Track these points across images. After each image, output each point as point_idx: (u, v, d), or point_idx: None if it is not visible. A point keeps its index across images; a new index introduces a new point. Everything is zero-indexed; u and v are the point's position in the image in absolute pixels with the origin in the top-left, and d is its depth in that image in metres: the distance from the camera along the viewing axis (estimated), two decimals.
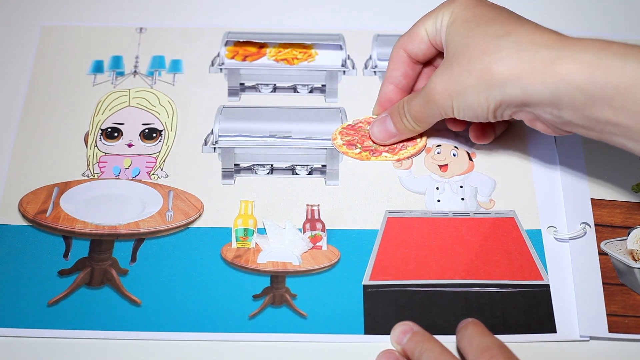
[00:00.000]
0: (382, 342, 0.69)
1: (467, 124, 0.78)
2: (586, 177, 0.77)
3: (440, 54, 0.75)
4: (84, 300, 0.70)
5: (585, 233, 0.74)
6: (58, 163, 0.78)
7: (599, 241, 0.74)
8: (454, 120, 0.77)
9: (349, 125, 0.81)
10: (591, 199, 0.76)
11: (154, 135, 0.80)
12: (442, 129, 0.81)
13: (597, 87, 0.63)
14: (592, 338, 0.69)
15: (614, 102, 0.63)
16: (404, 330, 0.68)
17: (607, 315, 0.70)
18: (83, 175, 0.78)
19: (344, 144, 0.79)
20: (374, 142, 0.79)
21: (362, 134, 0.80)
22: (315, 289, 0.71)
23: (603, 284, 0.71)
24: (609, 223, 0.75)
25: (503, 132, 0.80)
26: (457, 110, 0.70)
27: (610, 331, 0.69)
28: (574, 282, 0.72)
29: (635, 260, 0.73)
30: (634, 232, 0.74)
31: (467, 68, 0.68)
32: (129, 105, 0.82)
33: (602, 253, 0.73)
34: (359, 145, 0.79)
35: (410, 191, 0.77)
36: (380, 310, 0.70)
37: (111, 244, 0.73)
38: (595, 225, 0.75)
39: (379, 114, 0.79)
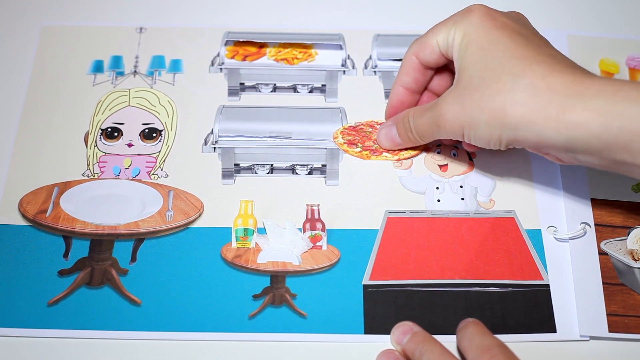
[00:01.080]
0: (382, 342, 0.69)
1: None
2: (586, 176, 0.77)
3: (452, 62, 0.75)
4: (84, 300, 0.70)
5: (585, 233, 0.74)
6: (58, 163, 0.78)
7: (599, 241, 0.74)
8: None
9: (350, 126, 0.81)
10: (591, 198, 0.76)
11: (154, 135, 0.80)
12: None
13: (612, 134, 0.63)
14: (592, 338, 0.69)
15: (631, 147, 0.63)
16: (404, 331, 0.68)
17: (607, 315, 0.70)
18: (83, 175, 0.78)
19: (344, 143, 0.79)
20: (380, 147, 0.79)
21: (363, 134, 0.80)
22: (315, 288, 0.71)
23: (603, 283, 0.71)
24: (609, 223, 0.75)
25: None
26: (468, 138, 0.70)
27: (610, 331, 0.69)
28: (574, 282, 0.72)
29: (635, 260, 0.73)
30: (634, 232, 0.74)
31: (480, 104, 0.68)
32: (129, 105, 0.82)
33: (602, 253, 0.73)
34: (360, 145, 0.79)
35: (410, 191, 0.77)
36: (380, 310, 0.70)
37: (111, 244, 0.73)
38: (595, 225, 0.75)
39: (389, 116, 0.79)
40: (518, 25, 0.70)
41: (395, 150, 0.79)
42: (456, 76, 0.71)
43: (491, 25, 0.70)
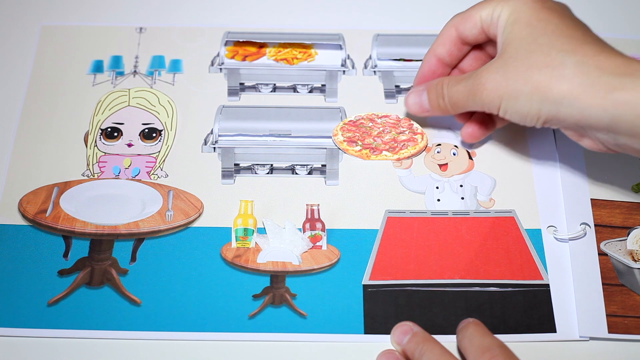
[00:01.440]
0: (382, 342, 0.69)
1: (469, 116, 0.78)
2: (586, 177, 0.77)
3: (490, 42, 0.74)
4: (84, 300, 0.70)
5: (585, 234, 0.74)
6: (58, 163, 0.78)
7: (598, 241, 0.74)
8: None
9: (350, 121, 0.81)
10: (591, 199, 0.76)
11: (154, 135, 0.80)
12: (442, 128, 0.81)
13: None
14: (591, 338, 0.69)
15: None
16: (404, 331, 0.68)
17: (607, 315, 0.70)
18: (83, 175, 0.78)
19: (344, 141, 0.79)
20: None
21: (364, 130, 0.80)
22: (315, 288, 0.71)
23: (603, 284, 0.71)
24: (608, 223, 0.75)
25: (501, 130, 0.80)
26: (504, 111, 0.70)
27: (610, 332, 0.69)
28: (573, 283, 0.72)
29: (635, 261, 0.73)
30: (633, 233, 0.74)
31: (524, 75, 0.67)
32: (128, 105, 0.82)
33: (601, 253, 0.73)
34: (360, 143, 0.79)
35: (410, 191, 0.77)
36: (380, 310, 0.70)
37: (111, 244, 0.73)
38: (595, 225, 0.75)
39: (418, 85, 0.78)
40: (566, 11, 0.71)
41: (395, 149, 0.79)
42: (499, 50, 0.71)
43: (541, 6, 0.70)
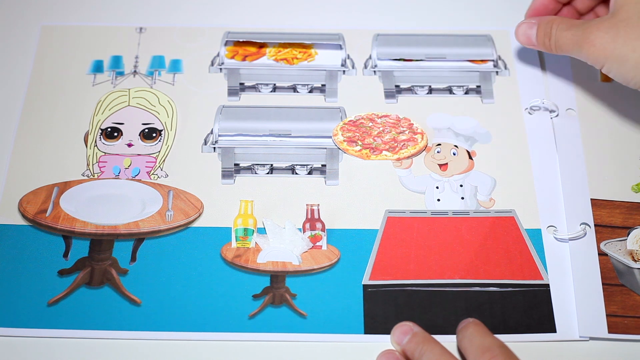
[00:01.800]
0: (382, 342, 0.69)
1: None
2: (586, 177, 0.77)
3: None
4: (84, 300, 0.70)
5: (585, 234, 0.74)
6: (58, 163, 0.78)
7: (598, 242, 0.74)
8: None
9: (350, 121, 0.81)
10: (591, 199, 0.76)
11: (154, 135, 0.80)
12: (442, 127, 0.81)
13: None
14: (591, 338, 0.69)
15: None
16: (404, 331, 0.68)
17: (607, 315, 0.70)
18: (83, 175, 0.78)
19: (344, 140, 0.79)
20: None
21: (364, 130, 0.80)
22: (315, 288, 0.71)
23: (603, 284, 0.71)
24: (608, 223, 0.75)
25: (503, 130, 0.80)
26: (607, 70, 0.73)
27: (609, 332, 0.69)
28: (573, 283, 0.71)
29: (635, 261, 0.73)
30: (633, 233, 0.74)
31: (634, 43, 0.70)
32: (128, 105, 0.82)
33: (601, 253, 0.73)
34: (360, 143, 0.79)
35: (410, 190, 0.77)
36: (380, 310, 0.70)
37: (111, 244, 0.73)
38: (595, 225, 0.75)
39: (530, 17, 0.80)
40: None
41: (395, 148, 0.79)
42: (612, 8, 0.72)
43: None
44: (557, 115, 0.81)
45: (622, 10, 0.71)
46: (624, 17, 0.71)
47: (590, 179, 0.77)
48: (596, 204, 0.76)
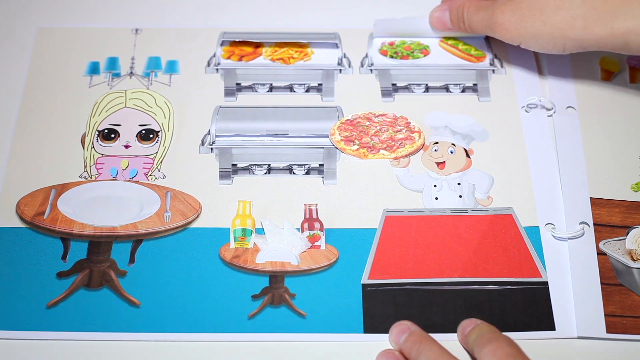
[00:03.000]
0: (382, 341, 0.69)
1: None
2: (585, 175, 0.77)
3: None
4: (83, 302, 0.70)
5: (584, 233, 0.74)
6: (55, 165, 0.78)
7: (597, 241, 0.74)
8: None
9: (347, 120, 0.81)
10: (590, 198, 0.76)
11: (151, 136, 0.80)
12: (440, 126, 0.81)
13: None
14: (589, 338, 0.69)
15: None
16: (401, 330, 0.68)
17: (605, 315, 0.70)
18: (80, 176, 0.77)
19: (341, 140, 0.79)
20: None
21: (361, 129, 0.80)
22: (314, 288, 0.71)
23: (601, 284, 0.71)
24: (607, 222, 0.75)
25: (500, 128, 0.80)
26: (526, 46, 0.79)
27: (608, 331, 0.69)
28: (572, 282, 0.71)
29: (634, 260, 0.73)
30: (632, 232, 0.74)
31: (541, 19, 0.77)
32: (125, 107, 0.82)
33: (600, 253, 0.73)
34: (357, 142, 0.79)
35: (408, 189, 0.77)
36: (379, 309, 0.70)
37: (109, 246, 0.73)
38: (594, 224, 0.74)
39: (443, 3, 0.84)
40: None
41: (393, 147, 0.79)
42: None
43: None
44: (554, 112, 0.81)
45: None
46: None
47: (590, 177, 0.77)
48: (595, 203, 0.76)
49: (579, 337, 0.69)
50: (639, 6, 0.74)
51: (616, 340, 0.69)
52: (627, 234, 0.74)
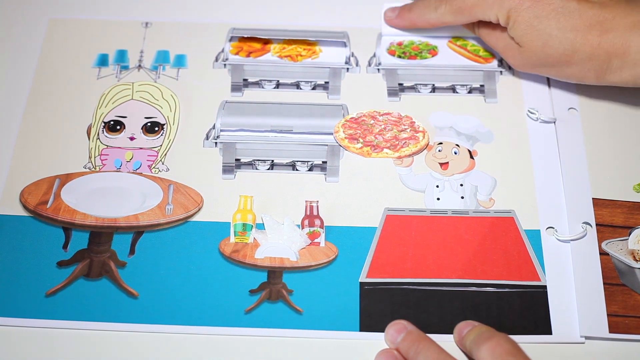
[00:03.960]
0: (377, 340, 0.68)
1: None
2: (588, 176, 0.77)
3: None
4: (82, 291, 0.71)
5: (587, 233, 0.74)
6: (60, 155, 0.78)
7: (600, 241, 0.73)
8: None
9: (352, 118, 0.81)
10: (593, 198, 0.76)
11: (156, 128, 0.80)
12: (444, 126, 0.80)
13: None
14: (592, 339, 0.69)
15: None
16: (398, 329, 0.67)
17: (608, 315, 0.69)
18: (84, 167, 0.78)
19: (345, 137, 0.79)
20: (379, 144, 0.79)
21: (365, 128, 0.80)
22: (312, 285, 0.71)
23: (604, 284, 0.71)
24: (610, 223, 0.74)
25: (506, 130, 0.80)
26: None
27: (610, 331, 0.69)
28: (574, 282, 0.71)
29: (637, 261, 0.72)
30: (635, 232, 0.74)
31: (555, 70, 0.80)
32: (132, 99, 0.82)
33: (603, 253, 0.73)
34: (361, 140, 0.79)
35: (410, 189, 0.77)
36: (376, 307, 0.70)
37: (110, 236, 0.74)
38: (597, 225, 0.74)
39: None
40: None
41: (396, 147, 0.79)
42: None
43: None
44: (554, 123, 0.81)
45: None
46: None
47: (592, 178, 0.77)
48: (598, 203, 0.75)
49: (582, 337, 0.69)
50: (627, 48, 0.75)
51: (619, 341, 0.69)
52: (630, 234, 0.74)
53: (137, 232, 0.74)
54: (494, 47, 0.82)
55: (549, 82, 0.83)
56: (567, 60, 0.77)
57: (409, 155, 0.79)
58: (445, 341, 0.68)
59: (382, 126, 0.80)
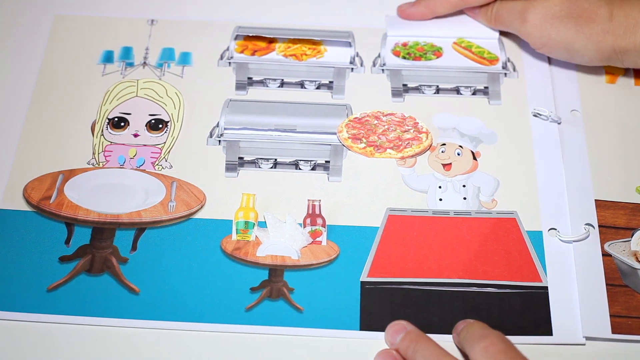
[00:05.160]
0: (377, 339, 0.68)
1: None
2: (590, 177, 0.77)
3: None
4: (83, 287, 0.71)
5: (589, 234, 0.74)
6: (64, 150, 0.79)
7: (602, 242, 0.73)
8: None
9: (356, 118, 0.81)
10: (595, 200, 0.76)
11: (160, 126, 0.80)
12: (447, 127, 0.80)
13: None
14: (594, 339, 0.69)
15: None
16: (397, 330, 0.67)
17: (610, 316, 0.69)
18: (88, 163, 0.78)
19: (349, 137, 0.79)
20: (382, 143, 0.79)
21: (369, 128, 0.80)
22: (313, 283, 0.71)
23: (606, 285, 0.71)
24: (612, 224, 0.74)
25: (509, 132, 0.80)
26: (549, 49, 0.82)
27: (613, 332, 0.69)
28: (577, 283, 0.71)
29: (639, 262, 0.72)
30: (637, 234, 0.74)
31: (576, 27, 0.79)
32: (136, 96, 0.82)
33: (605, 254, 0.73)
34: (364, 140, 0.79)
35: (412, 189, 0.77)
36: (377, 307, 0.70)
37: (112, 232, 0.74)
38: (599, 226, 0.74)
39: None
40: None
41: (400, 147, 0.79)
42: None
43: None
44: (560, 123, 0.81)
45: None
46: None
47: (595, 180, 0.77)
48: (600, 204, 0.75)
49: (585, 337, 0.69)
50: None
51: (621, 342, 0.69)
52: (632, 235, 0.74)
53: (140, 228, 0.74)
54: (510, 13, 0.82)
55: (552, 84, 0.83)
56: (589, 17, 0.78)
57: (412, 156, 0.79)
58: (446, 341, 0.68)
59: (386, 126, 0.80)
